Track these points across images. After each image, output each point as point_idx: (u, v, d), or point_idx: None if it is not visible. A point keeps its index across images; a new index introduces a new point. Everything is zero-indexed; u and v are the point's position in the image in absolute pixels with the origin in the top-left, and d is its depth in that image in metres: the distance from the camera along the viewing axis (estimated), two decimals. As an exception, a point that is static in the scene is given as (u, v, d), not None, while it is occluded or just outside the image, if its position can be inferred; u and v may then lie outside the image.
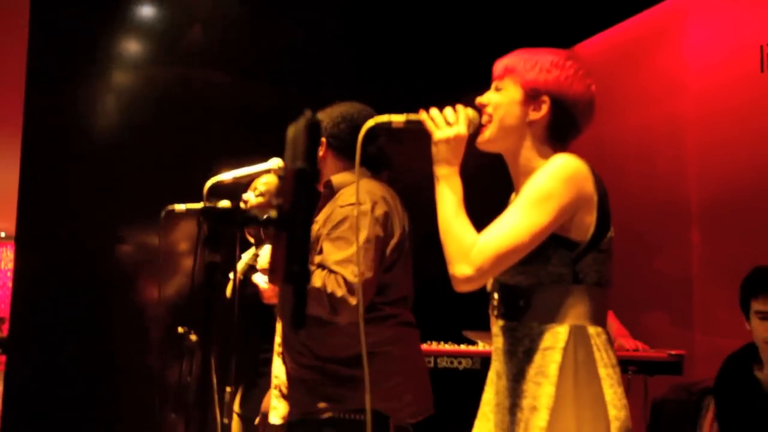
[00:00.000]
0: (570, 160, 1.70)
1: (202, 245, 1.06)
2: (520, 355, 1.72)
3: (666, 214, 4.11)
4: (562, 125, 1.79)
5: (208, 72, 4.76)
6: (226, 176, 2.64)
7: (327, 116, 2.53)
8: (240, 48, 4.81)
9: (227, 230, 1.07)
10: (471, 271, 1.65)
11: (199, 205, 2.70)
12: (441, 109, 1.81)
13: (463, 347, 3.45)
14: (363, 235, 2.29)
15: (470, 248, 1.66)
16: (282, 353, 2.49)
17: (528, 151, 1.80)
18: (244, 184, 3.22)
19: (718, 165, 3.93)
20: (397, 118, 1.79)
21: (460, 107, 1.81)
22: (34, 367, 4.31)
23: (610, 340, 1.75)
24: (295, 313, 0.97)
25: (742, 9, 3.84)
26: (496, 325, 1.83)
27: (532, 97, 1.78)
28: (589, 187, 1.70)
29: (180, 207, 2.91)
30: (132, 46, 4.76)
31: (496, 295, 1.82)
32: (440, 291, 3.13)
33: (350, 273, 2.21)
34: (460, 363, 3.39)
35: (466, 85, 4.85)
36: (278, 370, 2.50)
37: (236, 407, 3.23)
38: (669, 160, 4.17)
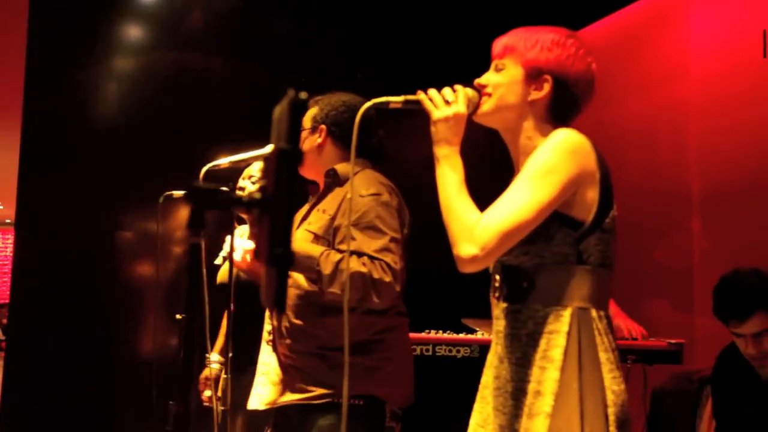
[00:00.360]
0: (572, 133, 1.69)
1: (186, 227, 1.04)
2: (524, 339, 1.71)
3: (667, 202, 4.09)
4: (563, 104, 1.78)
5: (207, 58, 4.75)
6: (223, 161, 2.62)
7: (328, 103, 2.54)
8: (239, 34, 4.79)
9: (211, 212, 1.06)
10: (476, 251, 1.63)
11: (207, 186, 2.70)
12: (440, 90, 1.80)
13: (461, 336, 3.44)
14: (390, 224, 2.34)
15: (474, 227, 1.64)
16: (273, 340, 2.49)
17: (529, 131, 1.78)
18: (240, 169, 3.21)
19: (719, 152, 3.90)
20: (395, 99, 1.78)
21: (459, 87, 1.80)
22: (34, 353, 4.32)
23: (611, 324, 1.73)
24: (277, 295, 0.96)
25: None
26: (498, 308, 1.82)
27: (533, 76, 1.77)
28: (592, 162, 1.69)
29: (178, 193, 2.90)
30: (132, 32, 4.74)
31: (497, 277, 1.80)
32: (439, 279, 3.13)
33: (391, 260, 2.28)
34: (458, 351, 3.38)
35: (465, 70, 4.82)
36: (267, 358, 2.50)
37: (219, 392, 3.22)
38: (670, 148, 4.14)
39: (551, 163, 1.64)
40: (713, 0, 4.01)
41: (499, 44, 1.84)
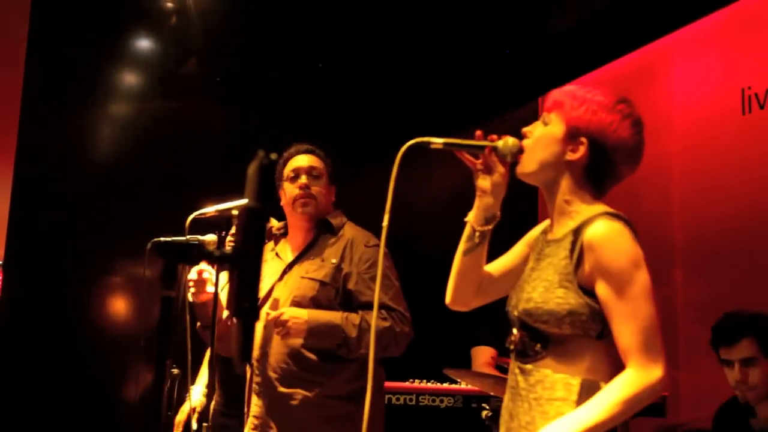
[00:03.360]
0: (620, 228, 1.69)
1: (159, 280, 1.07)
2: (532, 402, 1.71)
3: (650, 253, 4.11)
4: (600, 170, 1.75)
5: (200, 105, 4.82)
6: (209, 210, 2.66)
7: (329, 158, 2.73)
8: (232, 82, 4.87)
9: (183, 265, 1.09)
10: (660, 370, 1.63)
11: (182, 239, 2.73)
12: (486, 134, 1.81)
13: (445, 386, 3.44)
14: (395, 273, 2.51)
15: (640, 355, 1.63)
16: (261, 392, 2.49)
17: (566, 193, 1.77)
18: (227, 217, 3.24)
19: (702, 204, 3.96)
20: (436, 140, 1.80)
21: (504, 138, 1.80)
22: (20, 394, 4.29)
23: None
24: (243, 347, 0.99)
25: (725, 54, 3.91)
26: (512, 362, 1.82)
27: (572, 136, 1.74)
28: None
29: (165, 240, 2.92)
30: (127, 78, 4.82)
31: (515, 331, 1.80)
32: (421, 328, 3.14)
33: (404, 309, 2.47)
34: (441, 401, 3.38)
35: (456, 118, 4.92)
36: (257, 410, 2.50)
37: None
38: (654, 199, 4.20)
39: (642, 278, 1.65)
40: (696, 58, 4.11)
41: (550, 98, 1.81)
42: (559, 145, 1.74)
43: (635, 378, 1.59)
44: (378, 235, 2.53)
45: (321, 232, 2.56)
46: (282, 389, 2.42)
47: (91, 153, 4.66)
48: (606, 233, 1.66)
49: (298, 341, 2.40)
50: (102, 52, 4.69)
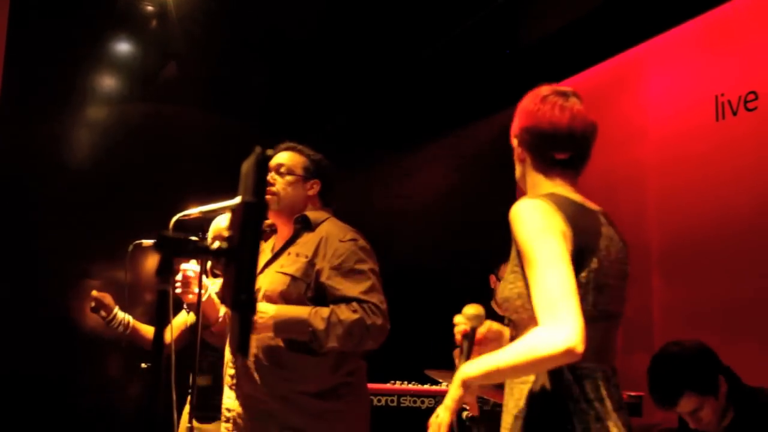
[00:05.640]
0: (523, 203, 1.76)
1: (154, 275, 1.09)
2: (508, 389, 1.81)
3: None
4: (540, 153, 1.88)
5: (179, 108, 4.82)
6: (193, 211, 2.66)
7: (320, 160, 2.69)
8: (211, 85, 4.88)
9: (180, 260, 1.11)
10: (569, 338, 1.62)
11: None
12: None
13: (426, 387, 3.47)
14: (372, 267, 2.45)
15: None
16: (236, 385, 2.50)
17: (529, 190, 1.91)
18: (209, 219, 3.26)
19: (676, 210, 4.04)
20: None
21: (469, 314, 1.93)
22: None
23: (597, 374, 1.76)
24: (241, 340, 1.01)
25: (699, 61, 3.99)
26: None
27: (514, 146, 1.93)
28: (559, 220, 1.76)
29: (147, 242, 2.93)
30: (106, 81, 4.80)
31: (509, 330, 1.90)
32: (403, 329, 3.17)
33: (378, 300, 2.38)
34: (423, 402, 3.41)
35: (439, 121, 4.94)
36: (230, 403, 2.51)
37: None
38: (631, 205, 4.27)
39: (544, 246, 1.69)
40: (669, 66, 4.19)
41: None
42: (518, 164, 1.94)
43: (538, 332, 1.62)
44: (364, 232, 2.56)
45: (302, 228, 2.58)
46: (255, 384, 2.43)
47: (68, 156, 4.64)
48: (515, 210, 1.76)
49: (267, 336, 2.42)
50: (80, 55, 4.67)
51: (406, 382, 3.47)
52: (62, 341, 4.37)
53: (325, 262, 2.43)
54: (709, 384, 2.55)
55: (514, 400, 1.77)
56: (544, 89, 1.93)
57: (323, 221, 2.57)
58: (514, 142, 1.93)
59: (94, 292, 3.22)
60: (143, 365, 3.25)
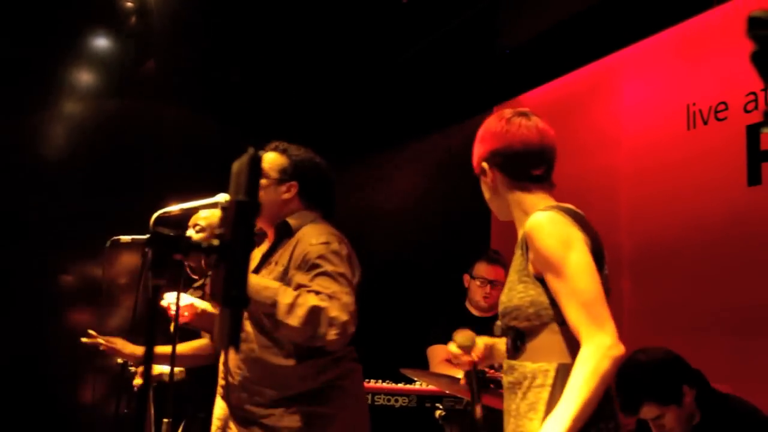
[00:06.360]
0: (549, 215, 1.83)
1: (147, 271, 1.12)
2: (519, 394, 1.83)
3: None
4: (517, 171, 1.95)
5: (158, 105, 4.82)
6: (173, 208, 2.68)
7: (300, 161, 2.59)
8: (191, 83, 4.89)
9: (172, 256, 1.14)
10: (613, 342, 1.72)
11: (145, 237, 2.74)
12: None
13: (400, 386, 3.50)
14: (342, 271, 2.37)
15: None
16: (225, 393, 2.51)
17: (515, 206, 1.96)
18: (190, 216, 3.27)
19: (648, 217, 4.12)
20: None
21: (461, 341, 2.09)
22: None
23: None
24: (231, 334, 1.05)
25: (671, 70, 4.08)
26: (505, 364, 1.95)
27: (483, 171, 1.99)
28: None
29: (125, 238, 2.94)
30: (84, 77, 4.79)
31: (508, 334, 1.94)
32: (378, 328, 3.20)
33: (348, 300, 2.32)
34: (396, 401, 3.44)
35: (415, 124, 5.00)
36: (220, 412, 2.52)
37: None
38: (602, 212, 4.34)
39: (574, 256, 1.76)
40: (642, 75, 4.28)
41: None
42: (486, 189, 2.01)
43: (587, 353, 1.69)
44: (347, 236, 2.56)
45: (282, 234, 2.56)
46: (240, 393, 2.44)
47: (44, 151, 4.61)
48: (536, 221, 1.82)
49: (250, 347, 2.42)
50: (58, 51, 4.65)
51: (380, 381, 3.50)
52: (36, 337, 4.34)
53: (293, 266, 2.39)
54: (670, 394, 2.63)
55: (527, 404, 1.80)
56: (506, 112, 2.02)
57: (303, 226, 2.51)
58: (483, 166, 1.98)
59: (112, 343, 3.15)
60: (119, 360, 3.24)
